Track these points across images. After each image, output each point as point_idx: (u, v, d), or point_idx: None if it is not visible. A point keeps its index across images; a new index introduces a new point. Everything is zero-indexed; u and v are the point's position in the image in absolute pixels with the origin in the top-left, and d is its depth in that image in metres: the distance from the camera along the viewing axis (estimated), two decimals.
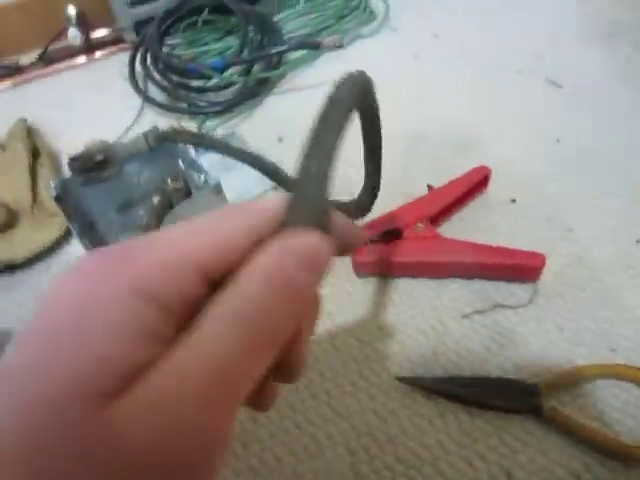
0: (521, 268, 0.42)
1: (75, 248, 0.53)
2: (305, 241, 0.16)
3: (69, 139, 0.68)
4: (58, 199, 0.48)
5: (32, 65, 0.87)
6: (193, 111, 0.66)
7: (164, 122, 0.67)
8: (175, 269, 0.16)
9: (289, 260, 0.16)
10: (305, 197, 0.17)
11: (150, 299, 0.15)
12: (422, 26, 0.75)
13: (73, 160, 0.47)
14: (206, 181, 0.45)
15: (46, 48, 0.86)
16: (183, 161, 0.49)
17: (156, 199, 0.41)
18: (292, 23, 0.77)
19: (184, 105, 0.67)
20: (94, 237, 0.50)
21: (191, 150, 0.48)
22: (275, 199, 0.18)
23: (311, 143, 0.18)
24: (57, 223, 0.53)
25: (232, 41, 0.76)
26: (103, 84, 0.78)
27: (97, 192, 0.49)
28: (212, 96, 0.68)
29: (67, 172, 0.51)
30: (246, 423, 0.38)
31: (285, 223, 0.17)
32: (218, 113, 0.66)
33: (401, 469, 0.34)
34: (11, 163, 0.59)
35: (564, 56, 0.65)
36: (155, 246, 0.16)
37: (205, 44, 0.76)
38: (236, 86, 0.68)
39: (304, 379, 0.40)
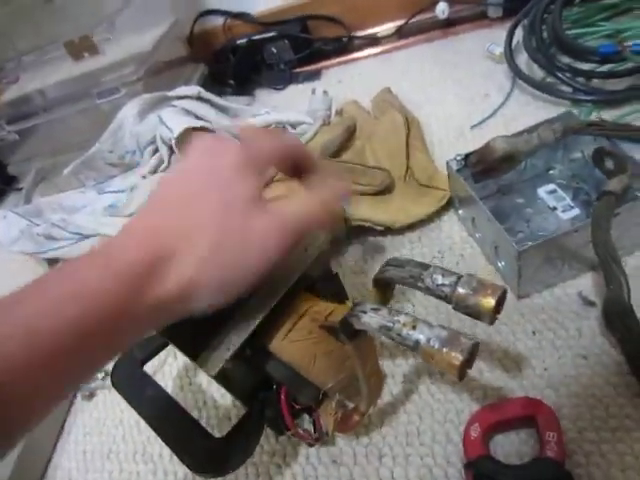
0: None
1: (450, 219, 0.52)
2: None
3: (429, 112, 0.68)
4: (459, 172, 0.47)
5: (387, 38, 0.90)
6: (578, 98, 0.59)
7: (536, 106, 0.62)
8: None
9: None
10: None
11: None
12: None
13: (472, 158, 0.45)
14: None
15: (408, 20, 0.87)
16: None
17: (605, 199, 0.36)
18: None
19: (567, 90, 0.60)
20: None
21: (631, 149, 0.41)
22: None
23: None
24: (432, 197, 0.53)
25: (626, 23, 0.65)
26: (461, 60, 0.76)
27: None
28: (598, 83, 0.60)
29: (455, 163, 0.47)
30: None
31: None
32: (609, 103, 0.57)
33: None
34: (389, 132, 0.60)
35: None
36: None
37: (587, 25, 0.68)
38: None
39: None
